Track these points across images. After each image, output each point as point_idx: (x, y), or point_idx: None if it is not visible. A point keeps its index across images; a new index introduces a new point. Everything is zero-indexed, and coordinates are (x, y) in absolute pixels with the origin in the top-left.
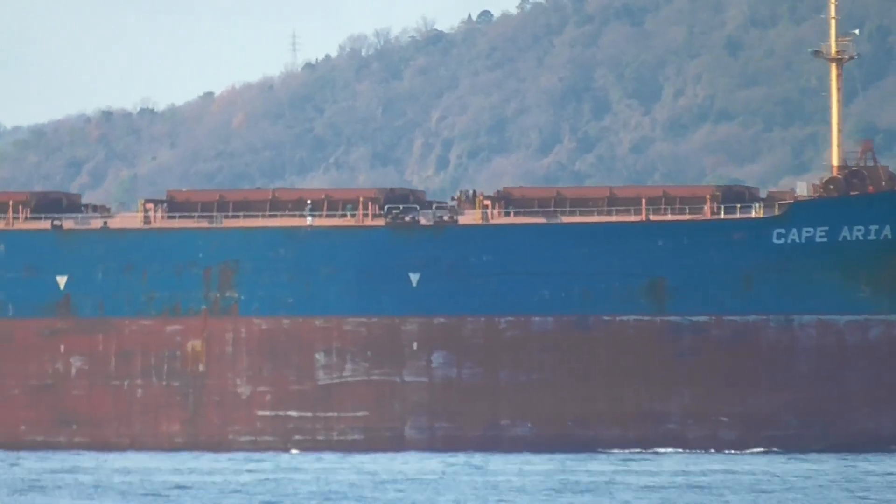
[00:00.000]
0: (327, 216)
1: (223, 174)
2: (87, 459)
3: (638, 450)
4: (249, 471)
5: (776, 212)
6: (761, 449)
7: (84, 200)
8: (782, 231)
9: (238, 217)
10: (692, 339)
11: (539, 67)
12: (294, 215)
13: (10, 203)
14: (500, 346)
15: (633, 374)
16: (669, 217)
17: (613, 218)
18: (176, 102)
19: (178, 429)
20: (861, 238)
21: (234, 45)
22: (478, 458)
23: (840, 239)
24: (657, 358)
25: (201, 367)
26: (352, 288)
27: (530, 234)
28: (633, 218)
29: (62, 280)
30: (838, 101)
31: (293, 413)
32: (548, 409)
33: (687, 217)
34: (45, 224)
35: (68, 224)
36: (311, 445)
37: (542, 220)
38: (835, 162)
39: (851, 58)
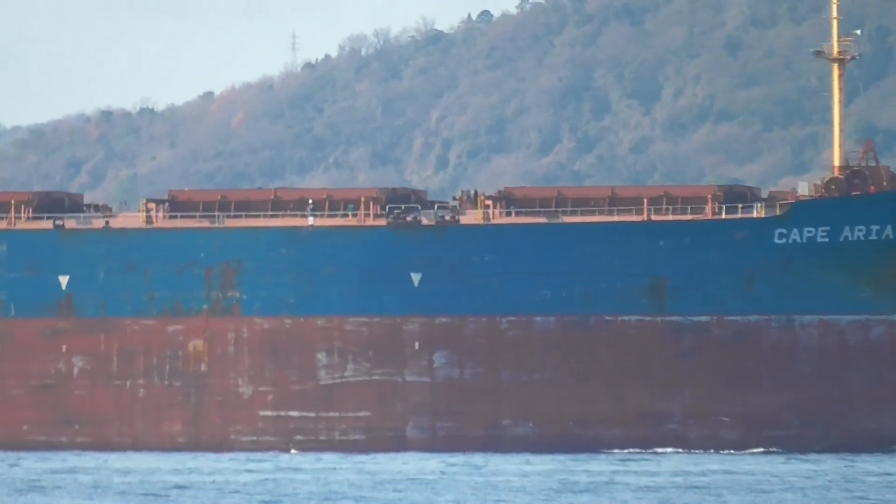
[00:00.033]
0: (329, 216)
1: (223, 174)
2: (88, 459)
3: (640, 450)
4: (248, 471)
5: (778, 212)
6: (763, 449)
7: (84, 200)
8: (784, 231)
9: (240, 217)
10: (693, 339)
11: (539, 67)
12: (296, 215)
13: (13, 203)
14: (501, 346)
15: (634, 374)
16: (671, 217)
17: (615, 218)
18: (175, 102)
19: (180, 429)
20: (862, 238)
21: (234, 45)
22: (477, 458)
23: (841, 239)
24: (659, 358)
25: (203, 367)
26: (353, 288)
27: (532, 234)
28: (634, 218)
29: (64, 280)
30: (840, 101)
31: (295, 413)
32: (549, 409)
33: (688, 217)
34: (48, 224)
35: (70, 224)
36: (313, 445)
37: (543, 220)
38: (836, 162)
39: (853, 58)
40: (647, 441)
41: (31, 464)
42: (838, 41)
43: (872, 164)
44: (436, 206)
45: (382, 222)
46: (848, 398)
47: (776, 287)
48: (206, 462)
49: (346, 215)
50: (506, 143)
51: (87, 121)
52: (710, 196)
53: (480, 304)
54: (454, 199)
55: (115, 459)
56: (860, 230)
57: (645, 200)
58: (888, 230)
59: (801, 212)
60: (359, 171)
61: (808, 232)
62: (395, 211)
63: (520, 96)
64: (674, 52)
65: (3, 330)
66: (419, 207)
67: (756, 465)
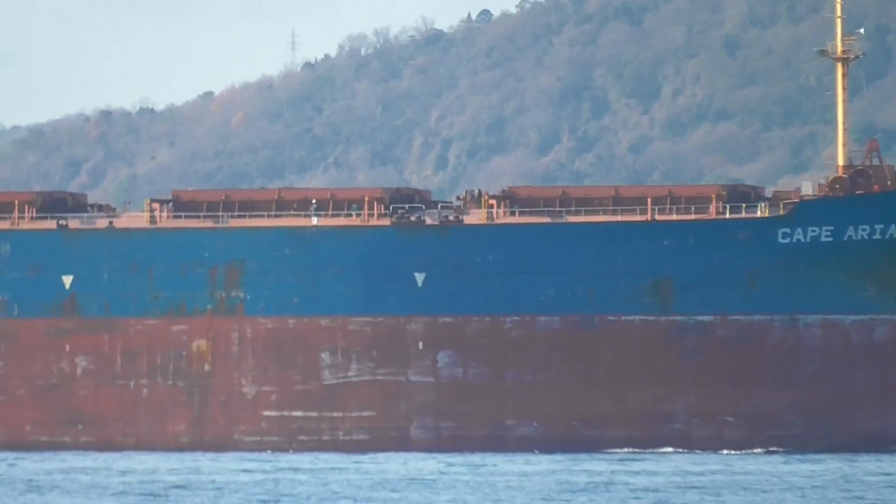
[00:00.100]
0: (333, 216)
1: (222, 174)
2: (88, 460)
3: (643, 450)
4: (246, 470)
5: (781, 211)
6: (767, 449)
7: (87, 200)
8: (788, 231)
9: (244, 217)
10: (697, 339)
11: (538, 67)
12: (299, 215)
13: (16, 203)
14: (505, 346)
15: (638, 374)
16: (675, 217)
17: (619, 217)
18: (175, 102)
19: (184, 429)
20: (866, 237)
21: (234, 45)
22: (477, 458)
23: (845, 238)
24: (662, 358)
25: (207, 367)
26: (357, 287)
27: (536, 233)
28: (638, 217)
29: (68, 280)
30: (844, 100)
31: (298, 413)
32: (553, 409)
33: (692, 217)
34: (51, 224)
35: (74, 224)
36: (317, 445)
37: (547, 219)
38: (840, 161)
39: (857, 57)
40: (651, 441)
41: (30, 464)
42: (842, 40)
43: (876, 163)
44: (439, 206)
45: (386, 222)
46: (852, 398)
47: (780, 287)
48: (206, 462)
49: (350, 215)
50: (505, 143)
51: (87, 120)
52: (713, 196)
53: (484, 303)
54: (458, 198)
55: (115, 459)
56: (864, 230)
57: (649, 200)
58: (892, 229)
59: (804, 211)
60: (358, 171)
61: (812, 231)
62: (399, 211)
63: (519, 96)
64: (673, 51)
65: (6, 330)
66: (423, 207)
67: (756, 464)
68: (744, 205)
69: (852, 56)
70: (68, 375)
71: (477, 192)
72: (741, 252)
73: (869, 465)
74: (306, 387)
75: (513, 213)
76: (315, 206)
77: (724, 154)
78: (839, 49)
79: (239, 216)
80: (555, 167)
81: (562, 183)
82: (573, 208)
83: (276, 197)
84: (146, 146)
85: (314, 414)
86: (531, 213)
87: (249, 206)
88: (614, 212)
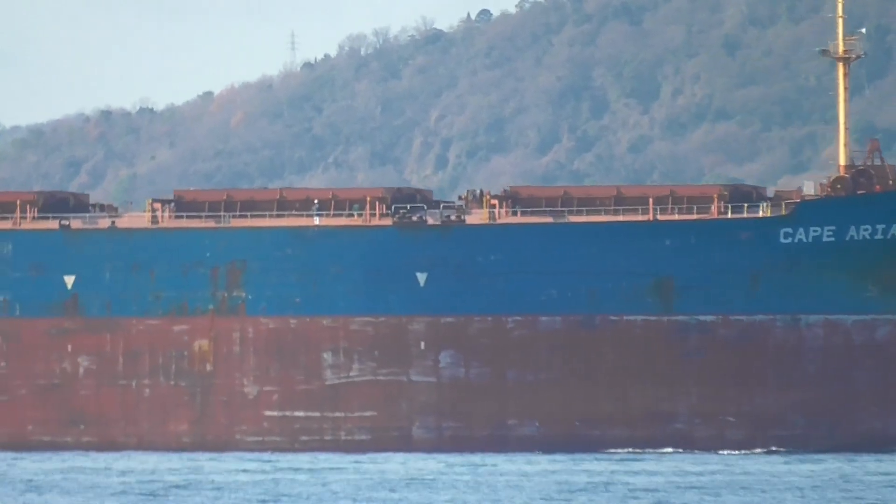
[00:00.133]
0: (334, 216)
1: (222, 173)
2: (88, 459)
3: (645, 450)
4: (246, 470)
5: (783, 211)
6: (769, 449)
7: (89, 200)
8: (789, 230)
9: (245, 217)
10: (699, 339)
11: (538, 66)
12: (301, 215)
13: (18, 203)
14: (507, 346)
15: (640, 374)
16: (676, 217)
17: (621, 217)
18: (175, 102)
19: (186, 428)
20: (868, 237)
21: (233, 45)
22: (477, 458)
23: (847, 238)
24: (664, 357)
25: (209, 367)
26: (359, 287)
27: (537, 233)
28: (640, 217)
29: (70, 280)
30: (845, 100)
31: (300, 413)
32: (555, 408)
33: (694, 217)
34: (53, 224)
35: (76, 224)
36: (319, 445)
37: (549, 219)
38: (842, 161)
39: (859, 56)
40: (653, 441)
41: (29, 463)
42: (843, 40)
43: (878, 163)
44: (441, 206)
45: (388, 222)
46: (854, 398)
47: (782, 287)
48: (206, 462)
49: (352, 215)
50: (505, 143)
51: (87, 120)
52: (715, 196)
53: (486, 303)
54: (460, 198)
55: (115, 459)
56: (866, 229)
57: (650, 200)
58: (894, 229)
59: (806, 211)
60: (358, 171)
61: (814, 231)
62: (401, 211)
63: (519, 95)
64: (672, 51)
65: (8, 330)
66: (425, 207)
67: (756, 465)
68: (745, 205)
69: (854, 56)
70: (70, 375)
71: (479, 191)
72: (743, 252)
73: (869, 465)
74: (308, 387)
75: (515, 213)
76: (317, 205)
77: (723, 154)
78: (841, 49)
79: (241, 216)
80: (554, 167)
81: (561, 183)
82: (575, 208)
83: (277, 197)
84: (146, 146)
85: (316, 414)
86: (533, 213)
87: (251, 206)
88: (616, 212)
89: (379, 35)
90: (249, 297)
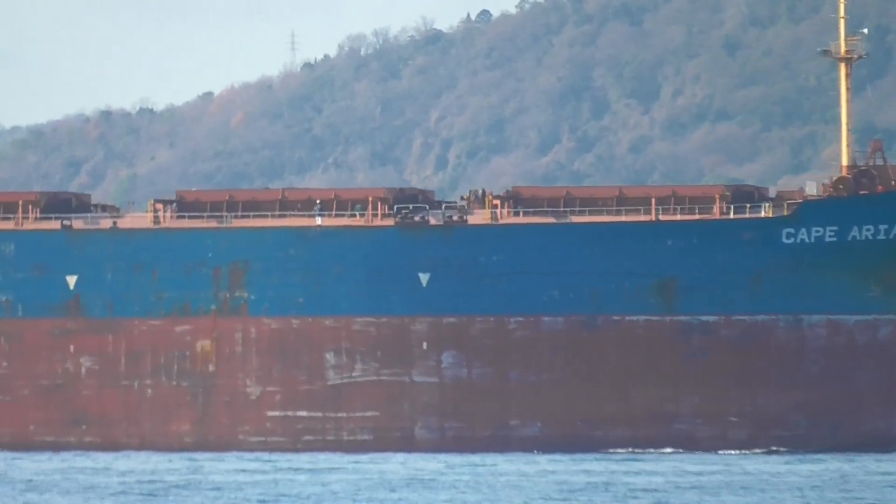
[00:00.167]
0: (337, 216)
1: (222, 174)
2: (89, 460)
3: (648, 450)
4: (246, 471)
5: (785, 211)
6: (771, 449)
7: (91, 200)
8: (792, 231)
9: (247, 217)
10: (701, 339)
11: (538, 67)
12: (303, 215)
13: (20, 203)
14: (509, 346)
15: (642, 374)
16: (679, 217)
17: (623, 218)
18: (175, 102)
19: (188, 429)
20: (870, 238)
21: (233, 45)
22: (478, 459)
23: (849, 238)
24: (666, 358)
25: (211, 368)
26: (361, 288)
27: (540, 233)
28: (642, 218)
29: (72, 280)
30: (847, 100)
31: (303, 413)
32: (557, 409)
33: (696, 217)
34: (55, 224)
35: (78, 224)
36: (321, 446)
37: (551, 219)
38: (844, 161)
39: (861, 57)
40: (655, 441)
41: (30, 463)
42: (845, 40)
43: (880, 163)
44: (443, 206)
45: (390, 222)
46: (856, 398)
47: (784, 287)
48: (207, 462)
49: (354, 215)
50: (505, 143)
51: (87, 121)
52: (717, 196)
53: (488, 304)
54: (462, 198)
55: (115, 459)
56: (868, 230)
57: (653, 200)
58: None
59: (809, 211)
60: (358, 171)
61: (817, 232)
62: (403, 211)
63: (519, 96)
64: (673, 51)
65: (10, 330)
66: (427, 207)
67: (757, 465)
68: (748, 205)
69: (856, 56)
70: (72, 376)
71: (481, 192)
72: (745, 252)
73: (869, 465)
74: (310, 387)
75: (517, 214)
76: (319, 206)
77: (723, 154)
78: (843, 49)
79: (243, 216)
80: (555, 167)
81: (562, 183)
82: (577, 208)
83: (279, 197)
84: (146, 146)
85: (318, 414)
86: (535, 214)
87: (253, 207)
88: (618, 212)
89: (379, 35)
90: (252, 297)
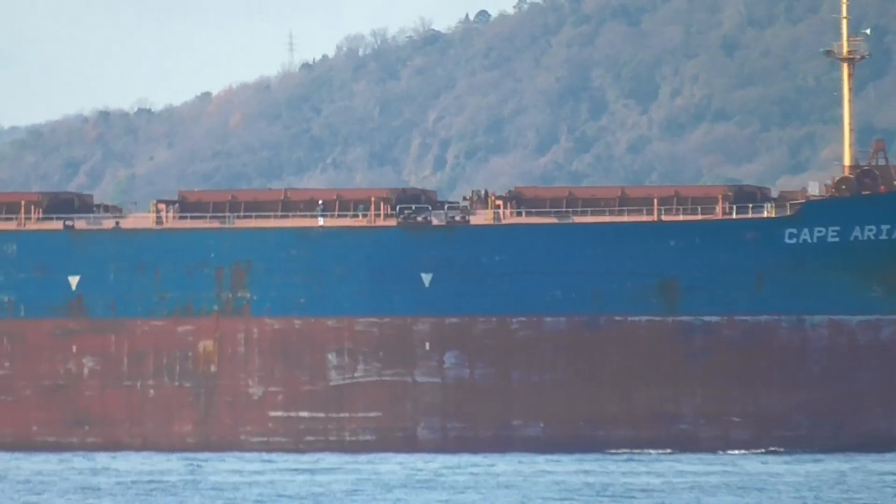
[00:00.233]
0: (339, 216)
1: (220, 174)
2: (90, 460)
3: (650, 451)
4: (246, 471)
5: (788, 212)
6: (774, 449)
7: (93, 201)
8: (794, 231)
9: (250, 217)
10: (704, 340)
11: (536, 67)
12: (306, 216)
13: (22, 203)
14: (512, 347)
15: (644, 375)
16: (681, 217)
17: (625, 218)
18: (173, 102)
19: (191, 429)
20: (873, 238)
21: (232, 46)
22: (479, 459)
23: (852, 239)
24: (669, 358)
25: (213, 368)
26: (364, 288)
27: (542, 234)
28: (644, 218)
29: (74, 280)
30: (850, 100)
31: (305, 414)
32: (560, 409)
33: (698, 217)
34: (58, 224)
35: (80, 224)
36: (323, 446)
37: (553, 220)
38: (846, 161)
39: (863, 57)
40: (657, 441)
41: (30, 464)
42: (848, 40)
43: (882, 163)
44: (446, 207)
45: (393, 223)
46: (858, 398)
47: (787, 287)
48: (207, 462)
49: (357, 216)
50: (503, 144)
51: (85, 121)
52: (720, 196)
53: (491, 304)
54: (464, 199)
55: (116, 459)
56: (870, 230)
57: (655, 201)
58: None
59: (811, 212)
60: (356, 172)
61: (819, 232)
62: (406, 211)
63: (517, 96)
64: (671, 52)
65: (13, 330)
66: (429, 208)
67: (757, 465)
68: (750, 205)
69: (858, 56)
70: (75, 376)
71: (483, 192)
72: (748, 252)
73: (869, 465)
74: (313, 387)
75: (519, 214)
76: (321, 206)
77: (722, 154)
78: (845, 49)
79: (245, 217)
80: (553, 168)
81: (560, 183)
82: (579, 209)
83: (282, 197)
84: (144, 147)
85: (321, 415)
86: (537, 214)
87: (255, 207)
88: (620, 212)
89: (377, 36)
90: (254, 297)
